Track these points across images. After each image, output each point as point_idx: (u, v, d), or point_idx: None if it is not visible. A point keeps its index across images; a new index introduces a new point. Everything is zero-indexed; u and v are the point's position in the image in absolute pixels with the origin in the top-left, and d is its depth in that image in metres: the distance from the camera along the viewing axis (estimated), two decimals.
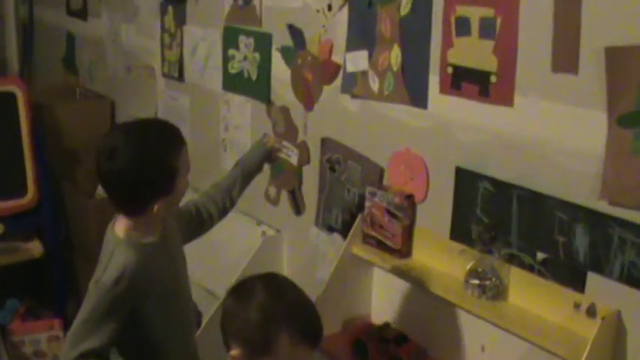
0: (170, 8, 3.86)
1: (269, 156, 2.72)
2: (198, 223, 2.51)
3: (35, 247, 4.12)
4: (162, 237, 2.25)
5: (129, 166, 2.07)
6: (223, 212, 2.58)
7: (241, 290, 1.94)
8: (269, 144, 2.71)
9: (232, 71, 3.42)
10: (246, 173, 2.64)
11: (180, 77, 3.85)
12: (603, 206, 2.04)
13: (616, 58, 1.95)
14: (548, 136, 2.15)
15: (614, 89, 1.97)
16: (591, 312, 2.08)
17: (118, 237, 2.18)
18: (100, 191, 4.27)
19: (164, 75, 4.01)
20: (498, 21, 2.23)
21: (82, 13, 4.85)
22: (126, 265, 2.11)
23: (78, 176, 4.39)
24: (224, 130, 3.55)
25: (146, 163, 2.10)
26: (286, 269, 3.25)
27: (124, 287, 2.10)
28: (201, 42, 3.64)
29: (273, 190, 3.30)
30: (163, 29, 3.95)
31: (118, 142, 2.10)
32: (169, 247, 2.30)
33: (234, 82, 3.43)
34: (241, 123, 3.44)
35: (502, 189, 2.31)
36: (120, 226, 2.20)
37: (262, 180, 3.30)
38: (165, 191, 2.13)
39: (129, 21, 4.29)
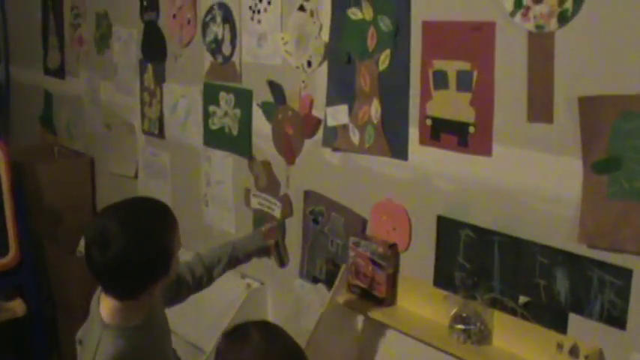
0: (149, 66, 3.94)
1: (265, 251, 2.73)
2: (176, 291, 2.47)
3: (18, 306, 4.12)
4: (148, 315, 2.20)
5: (125, 254, 1.99)
6: (198, 287, 2.57)
7: (236, 334, 1.98)
8: (269, 240, 2.71)
9: (213, 127, 3.48)
10: (233, 258, 2.64)
11: (161, 134, 3.91)
12: (582, 249, 2.11)
13: (589, 107, 2.04)
14: (527, 183, 2.23)
15: (587, 137, 2.05)
16: (574, 352, 2.14)
17: (105, 322, 2.11)
18: (82, 248, 4.29)
19: (144, 132, 4.07)
20: (474, 74, 2.32)
21: (59, 72, 4.92)
22: (114, 355, 2.06)
23: (59, 234, 4.41)
24: (206, 186, 3.60)
25: (143, 249, 2.03)
26: (271, 321, 3.27)
27: None
28: (182, 99, 3.71)
29: None
30: (143, 87, 4.02)
31: (110, 229, 2.01)
32: (156, 323, 2.25)
33: (215, 138, 3.49)
34: (223, 178, 3.49)
35: (483, 236, 2.38)
36: (106, 308, 2.13)
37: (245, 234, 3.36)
38: (163, 274, 2.11)
39: (108, 79, 4.35)
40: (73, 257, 4.24)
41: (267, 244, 2.74)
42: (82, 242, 4.29)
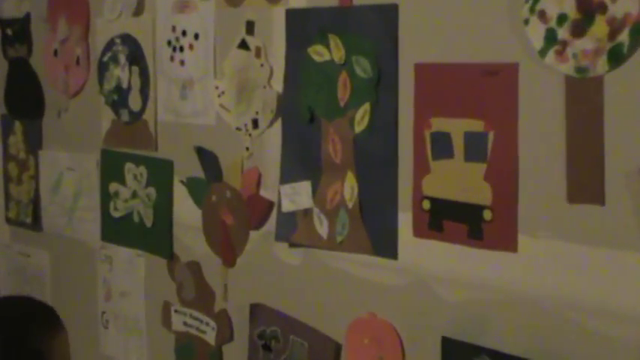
0: (18, 125, 3.97)
1: None
2: None
3: None
4: None
5: None
6: None
7: None
8: None
9: (116, 214, 3.52)
10: None
11: (36, 224, 3.95)
12: None
13: None
14: (569, 290, 2.26)
15: None
16: None
17: None
18: None
19: (9, 221, 4.11)
20: (490, 136, 2.38)
21: None
22: None
23: None
24: (105, 300, 3.62)
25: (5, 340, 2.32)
26: None
27: None
28: (68, 173, 3.75)
29: None
30: (8, 155, 4.05)
31: None
32: None
33: (119, 231, 3.53)
34: (131, 288, 3.52)
35: None
36: None
37: None
38: None
39: None
40: None
41: None
42: None
